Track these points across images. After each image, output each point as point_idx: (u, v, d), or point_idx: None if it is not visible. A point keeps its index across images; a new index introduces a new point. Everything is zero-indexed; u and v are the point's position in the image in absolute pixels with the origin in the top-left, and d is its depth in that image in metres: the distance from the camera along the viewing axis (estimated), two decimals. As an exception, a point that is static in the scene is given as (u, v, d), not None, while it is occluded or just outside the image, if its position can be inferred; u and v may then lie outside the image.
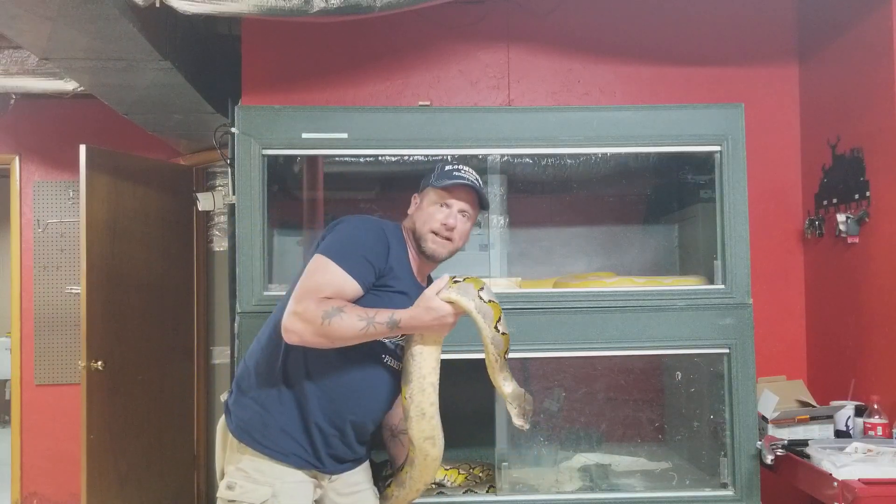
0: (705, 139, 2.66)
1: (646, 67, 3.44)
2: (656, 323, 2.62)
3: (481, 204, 1.98)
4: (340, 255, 1.79)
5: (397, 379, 1.91)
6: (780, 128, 3.42)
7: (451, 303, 1.78)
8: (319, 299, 1.73)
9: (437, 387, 1.89)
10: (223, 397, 2.00)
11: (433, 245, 1.93)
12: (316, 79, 3.45)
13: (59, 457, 4.61)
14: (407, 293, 1.88)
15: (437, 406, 1.89)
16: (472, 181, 1.94)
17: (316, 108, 2.77)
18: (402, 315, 1.76)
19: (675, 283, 2.75)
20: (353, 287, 1.79)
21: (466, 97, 3.44)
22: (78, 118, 4.69)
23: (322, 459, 1.88)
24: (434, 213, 1.93)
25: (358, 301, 1.81)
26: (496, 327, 1.81)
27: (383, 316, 1.75)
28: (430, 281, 2.06)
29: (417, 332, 1.82)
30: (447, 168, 1.97)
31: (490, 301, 1.79)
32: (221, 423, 1.93)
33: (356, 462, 1.98)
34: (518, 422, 1.84)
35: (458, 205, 1.94)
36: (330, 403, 1.85)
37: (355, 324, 1.72)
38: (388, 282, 1.85)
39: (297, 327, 1.73)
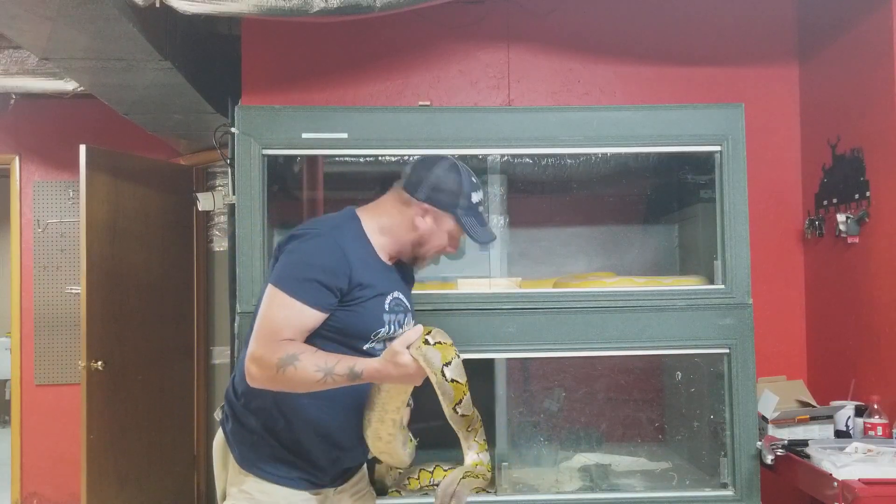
0: (705, 139, 2.66)
1: (646, 67, 3.44)
2: (656, 323, 2.62)
3: None
4: (294, 285, 1.68)
5: None
6: (780, 128, 3.42)
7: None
8: (277, 343, 1.63)
9: (399, 423, 1.79)
10: (217, 416, 1.93)
11: (428, 263, 1.92)
12: (316, 79, 3.45)
13: (59, 457, 4.62)
14: (382, 293, 1.80)
15: (396, 434, 1.79)
16: (494, 239, 1.95)
17: (316, 108, 2.77)
18: (364, 366, 1.63)
19: (675, 283, 2.75)
20: (312, 317, 1.69)
21: (466, 97, 3.44)
22: (78, 118, 4.69)
23: (329, 478, 1.85)
24: (446, 243, 1.90)
25: (330, 318, 1.72)
26: (454, 409, 1.69)
27: (343, 366, 1.62)
28: (399, 262, 1.94)
29: (383, 382, 1.70)
30: (476, 203, 1.89)
31: (453, 381, 1.63)
32: (219, 441, 1.88)
33: (360, 467, 1.96)
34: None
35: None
36: (330, 429, 1.81)
37: (311, 375, 1.61)
38: (357, 294, 1.75)
39: (253, 372, 1.65)
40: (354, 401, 1.80)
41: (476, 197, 1.88)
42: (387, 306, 1.82)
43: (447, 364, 1.62)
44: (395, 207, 1.87)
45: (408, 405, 1.92)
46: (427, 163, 1.90)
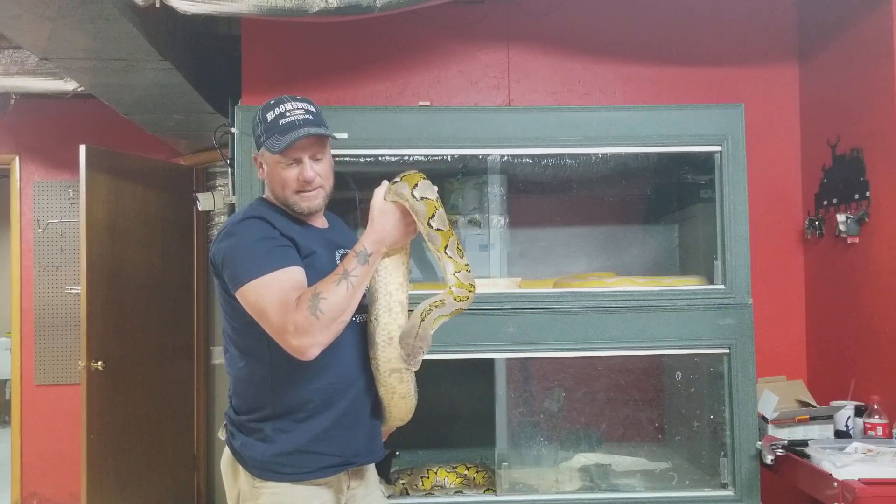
0: (705, 139, 2.66)
1: (646, 67, 3.44)
2: (656, 323, 2.62)
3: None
4: (257, 267, 1.65)
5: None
6: (780, 128, 3.42)
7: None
8: (294, 307, 1.61)
9: (407, 308, 1.77)
10: (221, 435, 1.91)
11: (305, 203, 1.78)
12: (316, 79, 3.45)
13: (59, 457, 4.62)
14: (315, 251, 1.77)
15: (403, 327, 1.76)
16: (308, 130, 1.73)
17: (316, 108, 2.76)
18: (363, 242, 1.67)
19: (675, 283, 2.75)
20: (296, 272, 1.67)
21: (466, 97, 3.44)
22: (78, 118, 4.69)
23: (352, 451, 1.79)
24: (286, 176, 1.76)
25: None
26: (429, 223, 1.72)
27: (350, 262, 1.65)
28: (332, 219, 1.96)
29: (388, 247, 1.72)
30: (273, 119, 1.75)
31: (423, 198, 1.70)
32: (226, 460, 1.84)
33: (378, 452, 1.90)
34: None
35: (304, 154, 1.75)
36: (335, 404, 1.76)
37: (337, 290, 1.62)
38: (302, 257, 1.74)
39: (304, 342, 1.61)
40: (354, 352, 1.78)
41: (272, 113, 1.76)
42: (338, 260, 1.79)
43: (414, 187, 1.70)
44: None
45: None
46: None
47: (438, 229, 1.73)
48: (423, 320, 1.70)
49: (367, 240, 1.69)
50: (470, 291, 1.78)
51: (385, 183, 1.76)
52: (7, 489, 4.78)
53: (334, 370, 1.76)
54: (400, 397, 1.80)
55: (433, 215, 1.71)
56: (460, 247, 1.78)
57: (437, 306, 1.74)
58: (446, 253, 1.76)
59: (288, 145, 1.72)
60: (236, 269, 1.68)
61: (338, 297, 1.63)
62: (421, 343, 1.68)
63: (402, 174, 1.74)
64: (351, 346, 1.79)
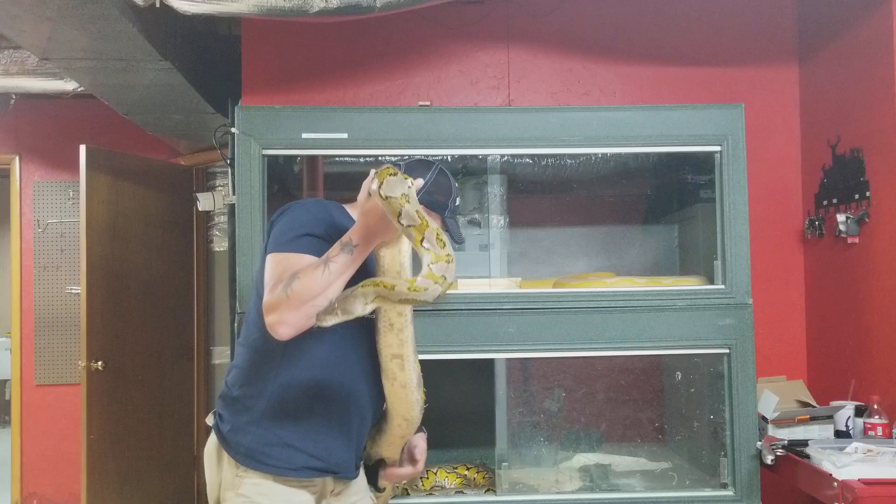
0: (705, 139, 2.66)
1: (646, 67, 3.44)
2: (656, 323, 2.62)
3: None
4: (286, 244, 1.74)
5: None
6: (780, 128, 3.42)
7: None
8: (275, 284, 1.66)
9: (407, 336, 1.79)
10: (209, 421, 1.89)
11: None
12: (316, 79, 3.45)
13: (59, 457, 4.62)
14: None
15: (410, 322, 1.79)
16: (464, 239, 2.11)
17: (316, 108, 2.77)
18: (350, 233, 1.69)
19: (675, 283, 2.75)
20: (307, 261, 1.70)
21: (466, 97, 3.44)
22: (78, 118, 4.69)
23: (338, 458, 1.83)
24: None
25: None
26: (399, 221, 1.65)
27: (334, 249, 1.67)
28: None
29: (379, 239, 1.72)
30: (455, 206, 2.03)
31: (388, 197, 1.63)
32: (211, 446, 1.85)
33: (359, 466, 1.94)
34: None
35: None
36: (330, 405, 1.80)
37: (313, 274, 1.63)
38: None
39: (273, 319, 1.64)
40: (356, 353, 1.82)
41: (458, 201, 2.05)
42: None
43: (380, 185, 1.64)
44: None
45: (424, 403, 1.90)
46: (420, 168, 1.97)
47: (409, 225, 1.66)
48: (361, 287, 1.64)
49: (355, 232, 1.69)
50: (437, 283, 1.67)
51: (372, 173, 1.71)
52: (7, 489, 4.78)
53: (339, 375, 1.80)
54: (400, 385, 1.81)
55: (399, 213, 1.65)
56: (441, 236, 1.69)
57: (385, 286, 1.65)
58: (423, 246, 1.69)
59: (461, 242, 2.03)
60: (274, 239, 1.77)
61: (311, 280, 1.63)
62: (340, 306, 1.63)
63: (377, 168, 1.68)
64: (361, 359, 1.82)
